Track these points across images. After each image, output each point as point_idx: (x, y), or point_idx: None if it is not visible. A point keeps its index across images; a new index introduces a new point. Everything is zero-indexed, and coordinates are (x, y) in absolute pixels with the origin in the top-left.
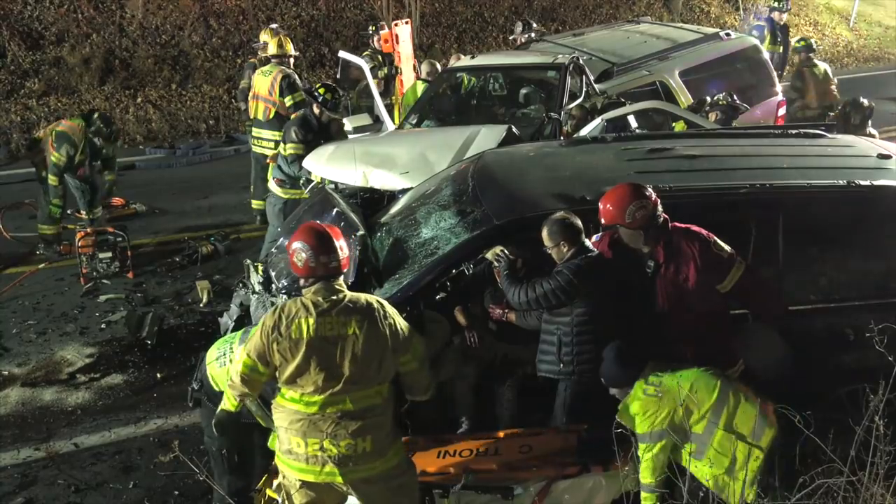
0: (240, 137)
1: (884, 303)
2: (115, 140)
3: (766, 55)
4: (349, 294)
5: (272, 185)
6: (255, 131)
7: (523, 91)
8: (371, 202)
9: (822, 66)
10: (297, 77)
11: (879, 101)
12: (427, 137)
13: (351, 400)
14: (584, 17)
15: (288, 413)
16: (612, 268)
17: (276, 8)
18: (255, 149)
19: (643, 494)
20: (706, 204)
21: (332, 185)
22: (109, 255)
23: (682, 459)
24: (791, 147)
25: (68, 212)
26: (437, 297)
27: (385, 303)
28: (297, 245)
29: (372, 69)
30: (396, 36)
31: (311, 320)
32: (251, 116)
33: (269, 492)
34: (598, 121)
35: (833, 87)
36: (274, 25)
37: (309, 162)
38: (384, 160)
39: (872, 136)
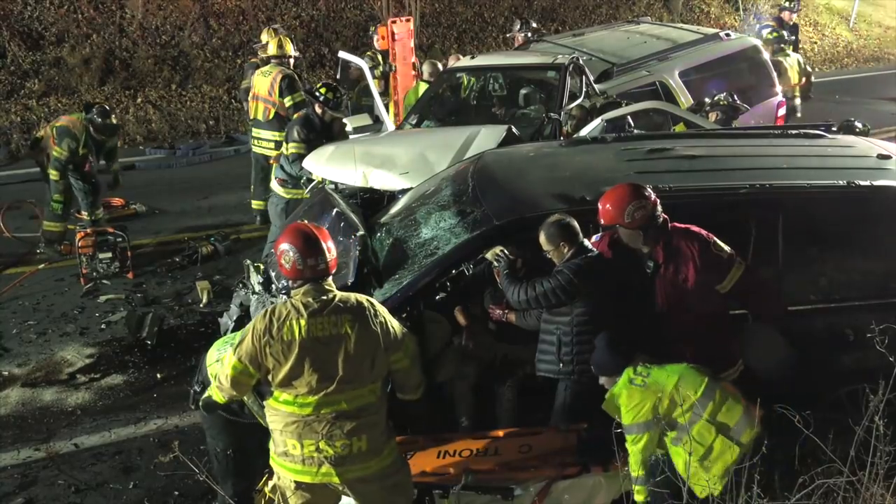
0: (240, 138)
1: (884, 303)
2: (111, 132)
3: (767, 55)
4: (339, 294)
5: (274, 185)
6: (255, 131)
7: (523, 91)
8: (371, 202)
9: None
10: (297, 77)
11: (879, 102)
12: (427, 138)
13: (345, 400)
14: (584, 17)
15: (282, 415)
16: (612, 268)
17: (276, 8)
18: (255, 149)
19: (635, 487)
20: (706, 204)
21: (332, 186)
22: (109, 255)
23: (665, 445)
24: (791, 147)
25: (71, 211)
26: (437, 297)
27: (375, 302)
28: (284, 247)
29: (371, 69)
30: (392, 32)
31: (303, 322)
32: (251, 117)
33: (268, 491)
34: (597, 121)
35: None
36: (276, 26)
37: (309, 162)
38: (384, 160)
39: None
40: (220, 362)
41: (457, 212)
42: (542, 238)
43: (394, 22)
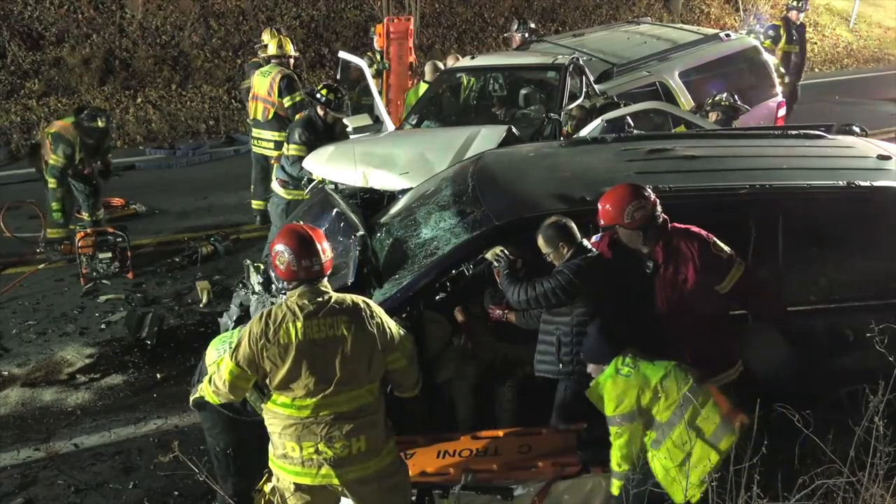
0: (240, 138)
1: (884, 303)
2: (101, 135)
3: (766, 56)
4: (335, 295)
5: (275, 186)
6: (255, 132)
7: (523, 92)
8: (371, 202)
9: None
10: (296, 77)
11: (879, 103)
12: (427, 138)
13: (343, 401)
14: (584, 17)
15: (280, 418)
16: (611, 268)
17: (276, 8)
18: (255, 149)
19: (612, 481)
20: (706, 205)
21: (332, 186)
22: (109, 255)
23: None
24: (791, 148)
25: (74, 209)
26: (437, 297)
27: (371, 302)
28: (278, 248)
29: (371, 69)
30: (388, 30)
31: (299, 324)
32: (251, 117)
33: (267, 492)
34: (597, 121)
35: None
36: (277, 27)
37: (309, 162)
38: (384, 161)
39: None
40: (217, 365)
41: (457, 212)
42: (541, 241)
43: (391, 20)
